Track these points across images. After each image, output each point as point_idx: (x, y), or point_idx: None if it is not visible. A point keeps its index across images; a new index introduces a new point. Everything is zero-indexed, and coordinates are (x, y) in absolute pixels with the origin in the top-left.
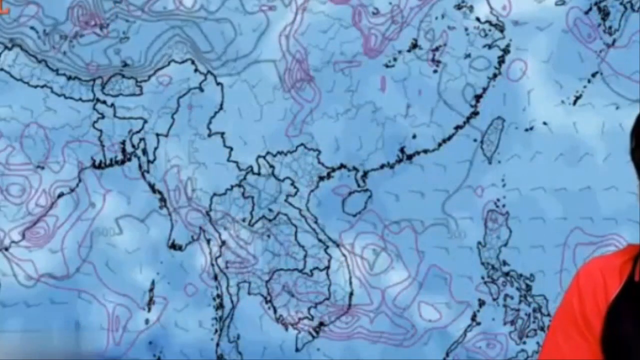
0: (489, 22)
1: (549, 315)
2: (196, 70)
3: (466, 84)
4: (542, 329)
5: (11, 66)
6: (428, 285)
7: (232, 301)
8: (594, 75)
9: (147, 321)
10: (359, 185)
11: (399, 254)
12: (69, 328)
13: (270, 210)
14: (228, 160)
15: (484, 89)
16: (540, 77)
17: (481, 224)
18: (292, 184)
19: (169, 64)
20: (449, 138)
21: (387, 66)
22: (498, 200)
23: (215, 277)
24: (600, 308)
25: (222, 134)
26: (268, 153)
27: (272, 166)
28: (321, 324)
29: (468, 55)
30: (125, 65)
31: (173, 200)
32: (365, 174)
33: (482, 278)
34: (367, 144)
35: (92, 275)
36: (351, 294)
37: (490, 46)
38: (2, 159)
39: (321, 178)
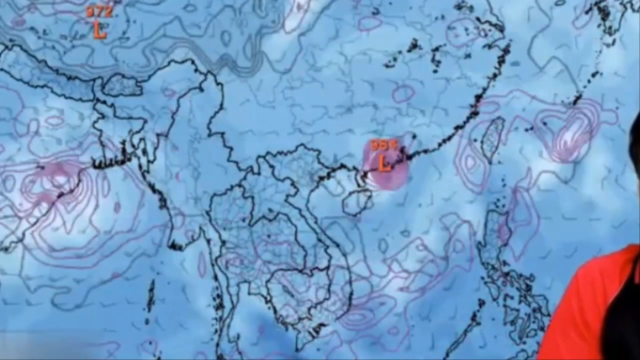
0: (488, 22)
1: (549, 315)
2: (196, 70)
3: (466, 84)
4: (542, 329)
5: (11, 66)
6: (428, 285)
7: (232, 301)
8: (593, 75)
9: (147, 321)
10: (358, 185)
11: (398, 253)
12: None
13: (270, 210)
14: (228, 160)
15: (484, 89)
16: (539, 77)
17: (481, 224)
18: (292, 184)
19: (169, 64)
20: (449, 138)
21: (387, 66)
22: (498, 200)
23: (215, 277)
24: (599, 309)
25: (222, 134)
26: (268, 153)
27: (272, 166)
28: (321, 324)
29: (468, 55)
30: (125, 65)
31: (173, 200)
32: (365, 174)
33: (482, 278)
34: (367, 143)
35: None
36: (351, 294)
37: (490, 46)
38: (2, 159)
39: (321, 178)
